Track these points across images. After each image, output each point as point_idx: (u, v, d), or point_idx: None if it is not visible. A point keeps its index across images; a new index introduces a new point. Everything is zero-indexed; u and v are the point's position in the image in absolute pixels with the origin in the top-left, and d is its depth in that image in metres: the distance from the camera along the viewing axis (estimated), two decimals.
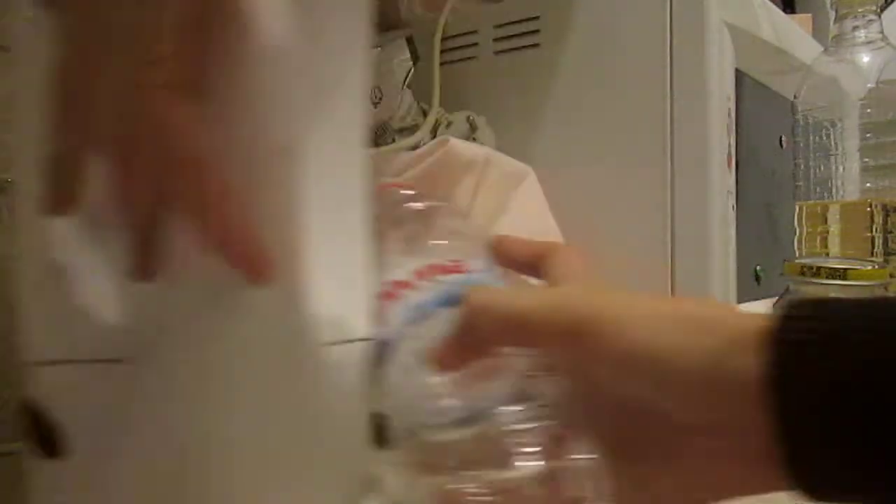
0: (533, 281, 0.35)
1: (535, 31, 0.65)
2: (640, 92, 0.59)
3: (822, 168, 0.63)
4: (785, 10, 0.89)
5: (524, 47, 0.65)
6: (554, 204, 0.60)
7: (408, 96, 0.62)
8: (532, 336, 0.25)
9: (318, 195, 0.30)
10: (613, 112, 0.60)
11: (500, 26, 0.67)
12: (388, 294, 0.35)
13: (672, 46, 0.57)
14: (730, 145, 0.59)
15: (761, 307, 0.63)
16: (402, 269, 0.35)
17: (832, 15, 0.62)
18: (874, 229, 0.59)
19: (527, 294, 0.29)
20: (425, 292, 0.35)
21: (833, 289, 0.52)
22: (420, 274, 0.35)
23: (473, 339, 0.27)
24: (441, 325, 0.30)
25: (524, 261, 0.35)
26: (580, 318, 0.23)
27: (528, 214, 0.59)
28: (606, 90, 0.61)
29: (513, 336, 0.26)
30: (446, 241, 0.37)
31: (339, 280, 0.31)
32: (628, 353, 0.22)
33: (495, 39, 0.67)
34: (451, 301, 0.34)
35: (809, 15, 1.00)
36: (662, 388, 0.21)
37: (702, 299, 0.25)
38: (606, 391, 0.24)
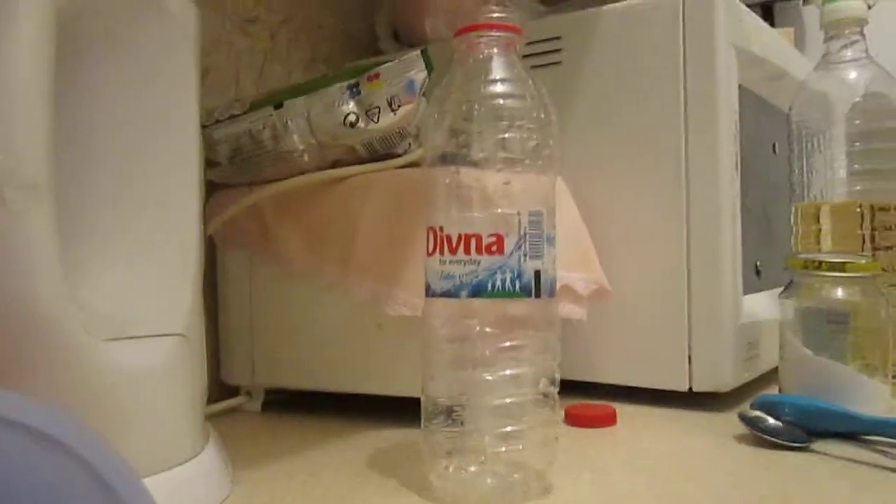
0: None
1: (558, 50, 0.70)
2: (657, 106, 0.65)
3: (814, 173, 0.70)
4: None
5: (547, 65, 0.71)
6: (579, 209, 0.66)
7: (423, 105, 0.66)
8: None
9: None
10: (632, 125, 0.67)
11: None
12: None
13: (685, 65, 0.64)
14: (736, 153, 0.66)
15: (764, 298, 0.70)
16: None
17: (822, 36, 0.69)
18: (863, 227, 0.66)
19: None
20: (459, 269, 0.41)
21: (832, 280, 0.59)
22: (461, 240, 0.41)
23: None
24: None
25: None
26: None
27: (565, 224, 0.64)
28: (625, 105, 0.67)
29: None
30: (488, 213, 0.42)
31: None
32: None
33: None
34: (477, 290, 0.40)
35: (792, 29, 1.08)
36: None
37: None
38: None
